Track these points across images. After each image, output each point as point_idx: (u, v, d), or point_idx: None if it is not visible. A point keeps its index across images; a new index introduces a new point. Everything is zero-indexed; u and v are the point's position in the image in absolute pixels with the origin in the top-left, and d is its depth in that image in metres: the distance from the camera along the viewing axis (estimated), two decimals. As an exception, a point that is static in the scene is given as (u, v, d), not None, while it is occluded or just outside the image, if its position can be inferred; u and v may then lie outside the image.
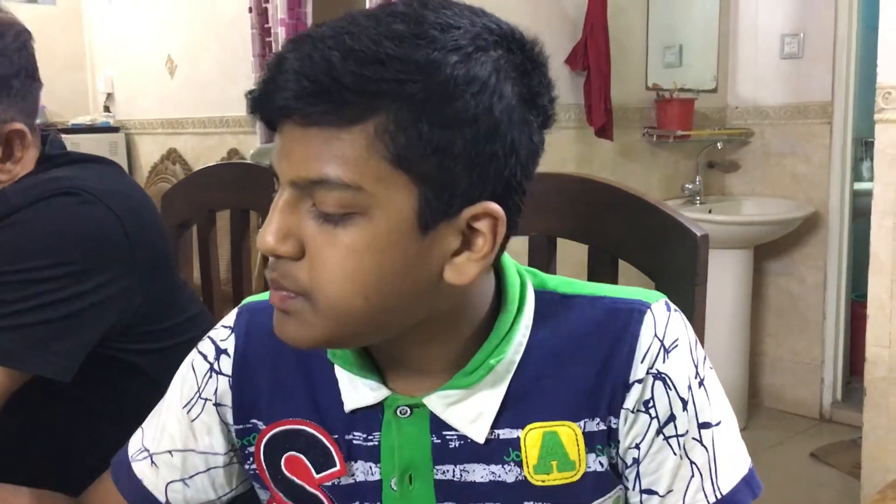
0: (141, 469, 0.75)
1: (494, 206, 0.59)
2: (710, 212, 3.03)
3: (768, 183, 3.19)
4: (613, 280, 0.88)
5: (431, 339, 0.64)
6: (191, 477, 0.75)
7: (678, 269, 0.80)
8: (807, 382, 3.16)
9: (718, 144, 3.09)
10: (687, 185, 3.11)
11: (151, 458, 0.75)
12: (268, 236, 0.58)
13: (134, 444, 0.77)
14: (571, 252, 0.98)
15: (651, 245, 0.83)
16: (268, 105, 0.57)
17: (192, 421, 0.74)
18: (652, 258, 0.83)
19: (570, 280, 0.70)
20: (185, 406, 0.75)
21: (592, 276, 0.88)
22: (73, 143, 3.09)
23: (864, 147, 3.25)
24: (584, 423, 0.65)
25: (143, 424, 0.78)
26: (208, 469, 0.75)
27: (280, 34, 2.80)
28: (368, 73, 0.54)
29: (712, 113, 3.22)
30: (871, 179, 3.47)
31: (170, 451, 0.74)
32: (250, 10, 2.94)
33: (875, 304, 1.65)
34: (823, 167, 3.05)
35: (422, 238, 0.58)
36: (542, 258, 0.92)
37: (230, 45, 3.24)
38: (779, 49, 3.10)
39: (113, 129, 3.86)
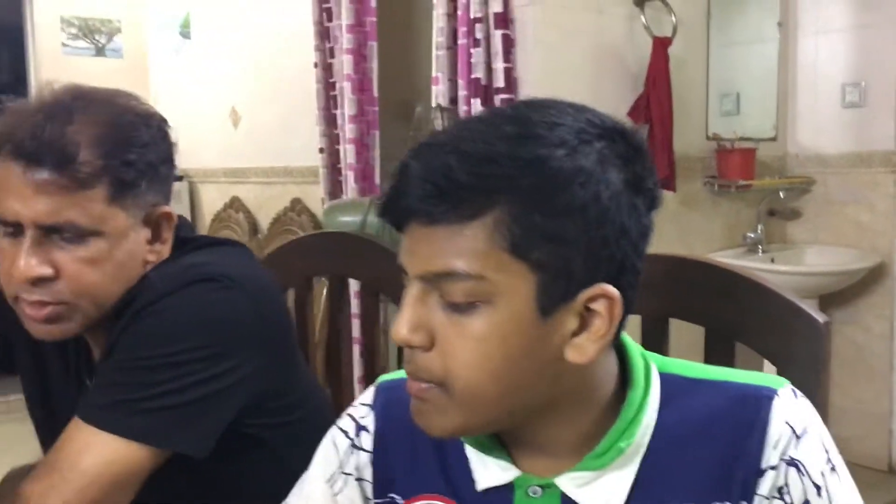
0: None
1: (610, 289, 0.63)
2: (772, 261, 3.02)
3: (831, 231, 3.17)
4: (731, 363, 0.89)
5: (559, 419, 0.67)
6: None
7: (802, 356, 0.81)
8: (875, 434, 3.10)
9: (781, 193, 3.09)
10: (749, 234, 3.10)
11: None
12: (401, 328, 0.64)
13: None
14: (685, 333, 1.00)
15: (771, 330, 0.84)
16: (395, 208, 0.64)
17: (336, 495, 0.78)
18: (773, 343, 0.84)
19: (691, 363, 0.73)
20: (329, 481, 0.78)
21: (709, 358, 0.90)
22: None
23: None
24: None
25: (288, 499, 0.81)
26: None
27: (345, 89, 2.87)
28: (483, 172, 0.60)
29: (772, 161, 3.21)
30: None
31: None
32: (316, 65, 3.02)
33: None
34: (888, 216, 3.02)
35: (542, 322, 0.63)
36: (656, 338, 0.94)
37: (294, 99, 3.33)
38: (840, 98, 3.09)
39: (177, 178, 3.95)
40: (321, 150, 3.04)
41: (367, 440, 0.77)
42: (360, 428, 0.78)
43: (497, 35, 2.40)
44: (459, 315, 0.62)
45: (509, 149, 0.61)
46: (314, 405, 1.11)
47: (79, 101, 0.95)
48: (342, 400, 1.34)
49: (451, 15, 2.53)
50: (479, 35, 2.43)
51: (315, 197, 3.22)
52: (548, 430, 0.68)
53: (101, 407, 0.92)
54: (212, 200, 3.92)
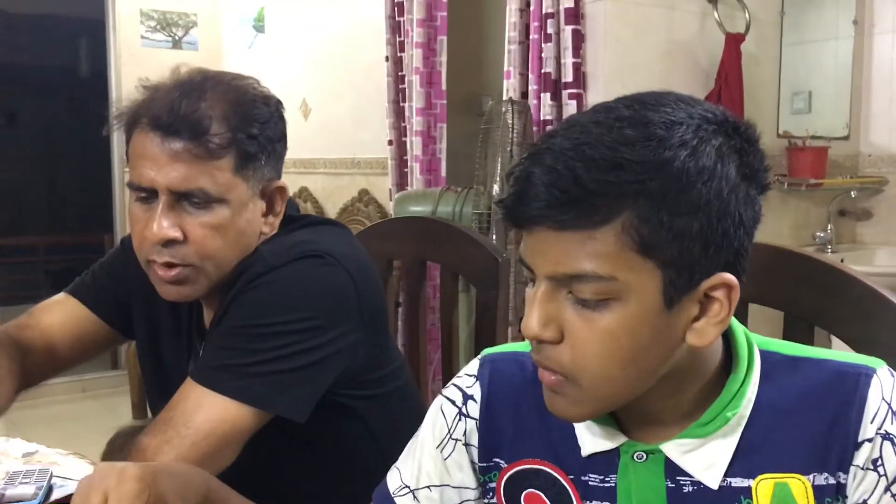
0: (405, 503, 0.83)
1: (729, 277, 0.66)
2: (842, 261, 2.96)
3: (902, 233, 3.11)
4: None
5: (668, 391, 0.71)
6: None
7: (883, 342, 0.83)
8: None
9: (852, 193, 3.04)
10: (818, 234, 3.06)
11: (413, 494, 0.83)
12: (532, 323, 0.67)
13: (393, 481, 0.85)
14: (765, 319, 1.02)
15: (852, 317, 0.86)
16: (522, 214, 0.66)
17: (445, 459, 0.82)
18: (854, 330, 0.86)
19: (790, 343, 0.76)
20: (439, 446, 0.83)
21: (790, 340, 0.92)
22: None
23: None
24: (814, 476, 0.69)
25: (398, 464, 0.86)
26: (462, 501, 0.83)
27: (415, 82, 2.92)
28: (611, 179, 0.62)
29: (844, 160, 3.17)
30: None
31: (429, 487, 0.83)
32: (387, 58, 3.08)
33: None
34: (963, 218, 2.95)
35: (667, 312, 0.66)
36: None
37: (363, 92, 3.39)
38: (916, 97, 3.03)
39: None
40: (390, 143, 3.10)
41: (473, 408, 0.82)
42: (467, 397, 0.82)
43: (567, 30, 2.42)
44: (589, 311, 0.65)
45: (634, 153, 0.63)
46: (402, 383, 1.17)
47: (209, 80, 1.04)
48: (419, 381, 1.39)
49: (524, 10, 2.56)
50: (550, 30, 2.45)
51: (382, 188, 3.28)
52: (656, 402, 0.71)
53: (213, 369, 0.99)
54: (281, 190, 4.01)
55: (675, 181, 0.63)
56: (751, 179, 0.66)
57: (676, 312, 0.66)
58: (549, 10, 2.45)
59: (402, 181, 3.09)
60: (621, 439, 0.74)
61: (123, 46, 4.17)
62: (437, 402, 0.85)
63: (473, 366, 0.84)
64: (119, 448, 0.99)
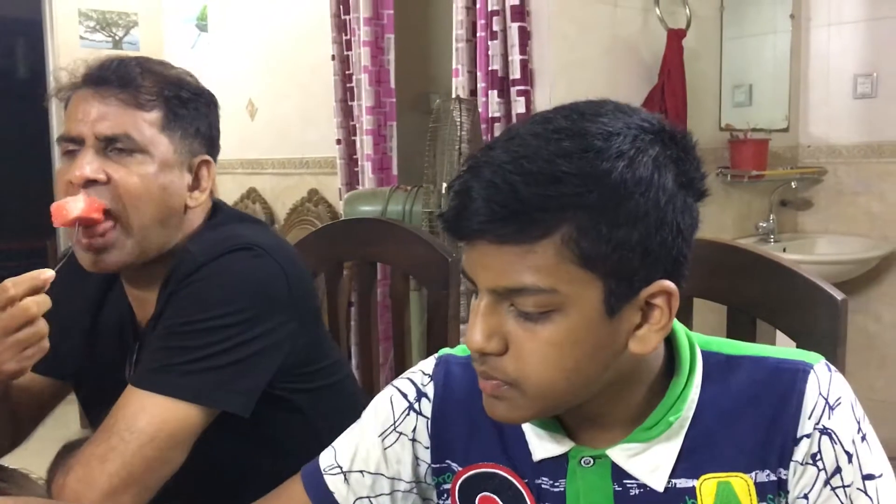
0: (333, 482, 0.84)
1: (668, 284, 0.68)
2: (783, 250, 3.05)
3: (842, 221, 3.20)
4: (752, 339, 0.93)
5: (612, 397, 0.72)
6: (376, 496, 0.83)
7: (820, 331, 0.86)
8: (886, 421, 3.11)
9: (793, 183, 3.12)
10: (761, 224, 3.13)
11: (345, 476, 0.83)
12: (476, 336, 0.67)
13: (326, 459, 0.85)
14: (708, 312, 1.04)
15: (791, 307, 0.89)
16: (462, 228, 0.66)
17: (385, 449, 0.83)
18: (794, 320, 0.88)
19: (730, 341, 0.77)
20: (381, 435, 0.83)
21: (732, 336, 0.94)
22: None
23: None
24: (756, 474, 0.71)
25: (335, 444, 0.86)
26: (392, 492, 0.83)
27: (363, 81, 2.91)
28: (550, 193, 0.63)
29: (784, 152, 3.25)
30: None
31: (362, 472, 0.83)
32: (333, 57, 3.07)
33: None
34: (899, 206, 3.05)
35: (609, 322, 0.67)
36: (681, 318, 0.98)
37: (311, 91, 3.37)
38: (851, 89, 3.12)
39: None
40: (338, 142, 3.08)
41: (426, 407, 0.82)
42: (421, 394, 0.83)
43: (514, 27, 2.44)
44: (532, 323, 0.66)
45: (572, 166, 0.63)
46: (341, 377, 1.18)
47: (144, 58, 1.10)
48: (371, 380, 1.39)
49: (470, 7, 2.57)
50: (496, 27, 2.47)
51: (332, 188, 3.26)
52: (601, 407, 0.72)
53: (152, 371, 0.99)
54: (228, 192, 3.96)
55: (613, 193, 0.63)
56: (688, 188, 0.67)
57: (618, 321, 0.67)
58: (495, 8, 2.46)
59: (351, 180, 3.08)
60: (569, 445, 0.75)
61: (62, 47, 4.07)
62: (387, 392, 0.85)
63: (429, 364, 0.85)
64: (63, 463, 0.97)
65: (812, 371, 0.71)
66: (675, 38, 2.68)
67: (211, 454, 1.02)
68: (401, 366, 1.36)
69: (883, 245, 3.02)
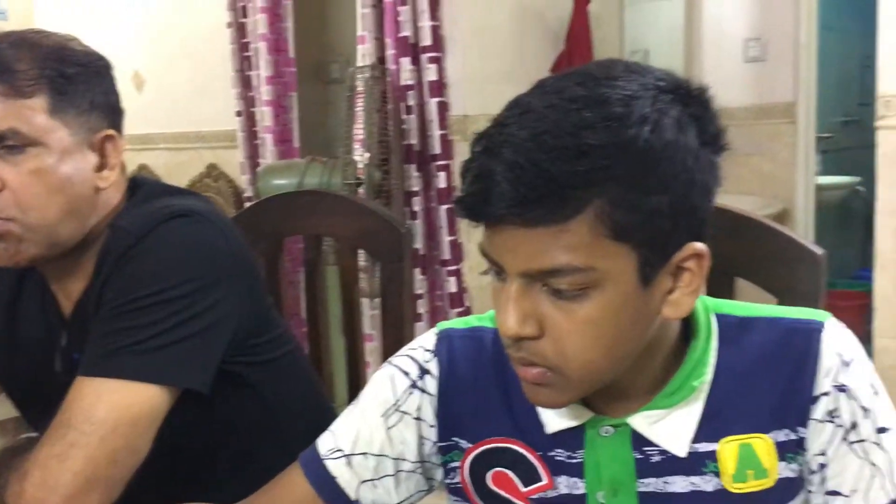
0: (335, 467, 0.80)
1: (699, 246, 0.66)
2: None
3: (736, 181, 3.33)
4: (731, 297, 0.94)
5: (636, 367, 0.70)
6: (380, 478, 0.80)
7: (803, 287, 0.87)
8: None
9: (690, 146, 3.22)
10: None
11: (348, 459, 0.79)
12: (510, 322, 0.64)
13: (325, 444, 0.81)
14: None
15: (772, 265, 0.90)
16: (486, 213, 0.62)
17: (389, 429, 0.79)
18: (775, 278, 0.90)
19: (739, 303, 0.77)
20: (384, 415, 0.80)
21: (711, 294, 0.94)
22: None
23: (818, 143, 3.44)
24: (776, 434, 0.72)
25: (332, 428, 0.82)
26: (396, 472, 0.80)
27: (261, 49, 2.79)
28: (579, 168, 0.60)
29: (681, 115, 3.34)
30: (825, 173, 3.67)
31: (365, 454, 0.79)
32: (229, 25, 2.93)
33: (881, 298, 1.77)
34: (788, 165, 3.20)
35: (644, 291, 0.65)
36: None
37: (205, 61, 3.21)
38: (742, 53, 3.24)
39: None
40: (238, 114, 2.95)
41: (431, 384, 0.79)
42: (424, 371, 0.79)
43: (424, -7, 2.38)
44: (568, 301, 0.63)
45: (597, 138, 0.60)
46: (290, 348, 1.13)
47: (15, 32, 0.98)
48: (320, 357, 1.34)
49: (376, -28, 2.50)
50: (405, -7, 2.41)
51: (232, 162, 3.13)
52: (624, 377, 0.70)
53: (104, 356, 0.91)
54: (116, 169, 3.75)
55: (642, 160, 0.61)
56: (710, 144, 0.66)
57: (652, 288, 0.65)
58: (404, -27, 2.40)
59: (253, 153, 2.96)
60: (587, 415, 0.73)
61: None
62: (387, 371, 0.81)
63: (430, 339, 0.81)
64: (14, 468, 0.88)
65: (825, 329, 0.72)
66: (581, 3, 2.70)
67: (166, 439, 0.95)
68: (352, 343, 1.31)
69: (774, 203, 3.18)
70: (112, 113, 1.02)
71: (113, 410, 0.87)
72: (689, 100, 0.66)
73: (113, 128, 1.01)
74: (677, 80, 0.66)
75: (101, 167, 1.00)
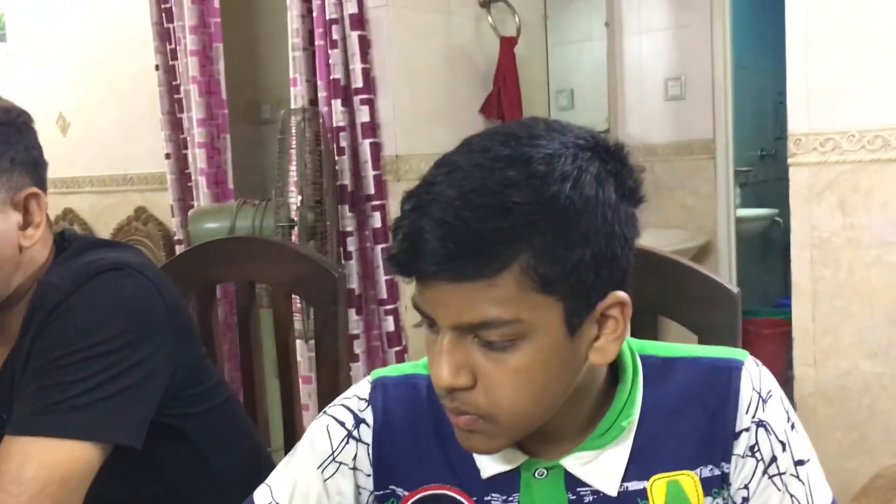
0: None
1: (621, 294, 0.69)
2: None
3: (661, 215, 3.43)
4: (654, 335, 0.98)
5: (567, 410, 0.73)
6: None
7: (720, 324, 0.92)
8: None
9: (616, 181, 3.31)
10: (591, 221, 3.29)
11: None
12: (444, 374, 0.66)
13: (262, 497, 0.81)
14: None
15: (690, 303, 0.94)
16: (417, 269, 0.65)
17: (325, 481, 0.80)
18: (695, 315, 0.94)
19: (661, 343, 0.81)
20: (320, 467, 0.80)
21: (636, 333, 0.98)
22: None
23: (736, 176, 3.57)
24: (701, 470, 0.75)
25: (268, 481, 0.82)
26: None
27: (193, 91, 2.78)
28: (504, 224, 0.62)
29: (607, 152, 3.43)
30: (744, 206, 3.80)
31: None
32: (157, 67, 2.91)
33: (798, 328, 1.85)
34: (709, 198, 3.32)
35: (571, 340, 0.68)
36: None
37: (133, 103, 3.18)
38: (663, 91, 3.36)
39: None
40: (167, 156, 2.93)
41: (366, 433, 0.80)
42: (359, 420, 0.80)
43: (353, 36, 2.42)
44: (498, 352, 0.66)
45: (521, 195, 0.62)
46: (225, 398, 1.13)
47: None
48: (255, 401, 1.34)
49: (306, 16, 2.52)
50: (335, 36, 2.44)
51: (162, 204, 3.09)
52: (556, 420, 0.73)
53: (32, 415, 0.89)
54: (40, 213, 3.66)
55: (563, 215, 0.64)
56: (628, 198, 0.69)
57: (579, 337, 0.68)
58: (333, 16, 2.43)
59: (184, 196, 2.93)
60: (521, 458, 0.75)
61: None
62: (323, 421, 0.82)
63: (364, 388, 0.82)
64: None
65: (744, 367, 0.76)
66: (508, 45, 2.77)
67: (99, 496, 0.94)
68: (287, 387, 1.31)
69: (698, 236, 3.28)
70: (35, 169, 1.00)
71: (42, 469, 0.86)
72: (608, 156, 0.69)
73: (36, 184, 1.00)
74: (596, 138, 0.70)
75: (25, 225, 0.98)
